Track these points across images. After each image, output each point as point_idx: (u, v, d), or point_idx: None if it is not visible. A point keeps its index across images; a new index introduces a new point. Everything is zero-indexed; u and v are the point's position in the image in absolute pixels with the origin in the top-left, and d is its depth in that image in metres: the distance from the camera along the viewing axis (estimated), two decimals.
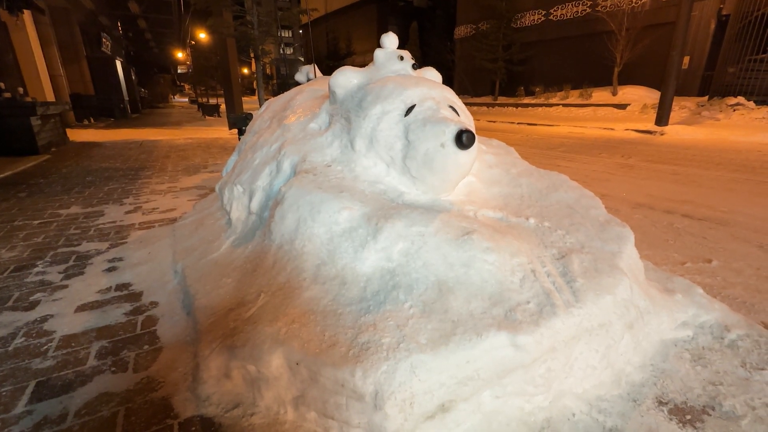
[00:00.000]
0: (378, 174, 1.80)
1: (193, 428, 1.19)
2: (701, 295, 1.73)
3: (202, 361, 1.37)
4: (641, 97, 13.14)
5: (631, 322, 1.38)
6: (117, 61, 16.40)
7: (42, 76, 9.09)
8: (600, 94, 14.46)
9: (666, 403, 1.24)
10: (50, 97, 9.26)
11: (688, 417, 1.19)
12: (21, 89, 7.19)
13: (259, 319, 1.36)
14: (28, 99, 6.83)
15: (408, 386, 1.08)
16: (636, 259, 1.64)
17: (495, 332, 1.16)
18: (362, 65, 2.15)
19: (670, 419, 1.18)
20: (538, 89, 17.11)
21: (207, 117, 16.42)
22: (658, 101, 9.27)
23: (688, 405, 1.23)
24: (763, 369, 1.37)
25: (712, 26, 12.79)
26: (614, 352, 1.34)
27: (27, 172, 5.29)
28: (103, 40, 16.04)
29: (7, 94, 6.52)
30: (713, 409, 1.21)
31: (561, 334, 1.22)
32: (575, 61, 16.72)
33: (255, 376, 1.25)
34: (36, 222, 3.18)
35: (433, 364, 1.11)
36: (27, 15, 8.50)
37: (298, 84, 3.44)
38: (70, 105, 10.50)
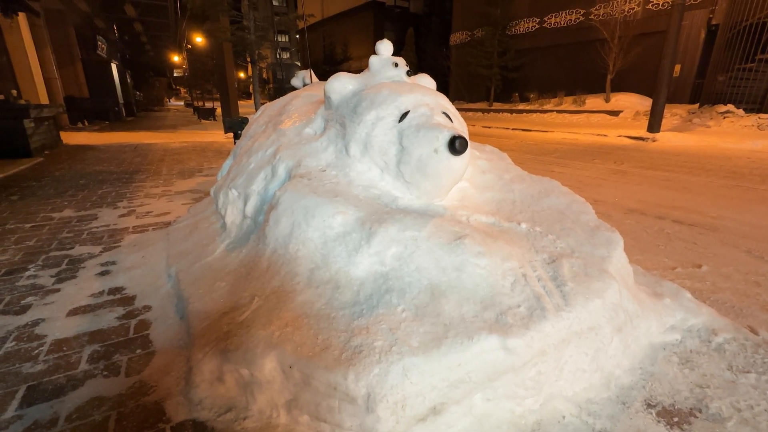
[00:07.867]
0: (372, 179, 1.81)
1: None
2: (689, 300, 1.76)
3: (195, 365, 1.37)
4: (633, 104, 13.32)
5: (620, 326, 1.40)
6: (112, 63, 16.34)
7: (36, 79, 9.03)
8: (593, 101, 14.64)
9: (654, 406, 1.26)
10: (44, 99, 9.19)
11: (676, 419, 1.21)
12: (14, 91, 7.14)
13: (253, 322, 1.37)
14: (22, 101, 6.79)
15: (400, 389, 1.09)
16: (625, 264, 1.67)
17: (486, 335, 1.18)
18: (359, 71, 2.18)
19: (658, 421, 1.20)
20: (532, 96, 17.29)
21: (203, 120, 16.41)
22: (650, 108, 9.40)
23: (676, 407, 1.25)
24: (748, 372, 1.39)
25: (702, 35, 13.03)
26: (604, 355, 1.36)
27: (19, 174, 5.25)
28: (99, 42, 15.99)
29: (1, 96, 6.48)
30: (700, 411, 1.24)
31: (551, 337, 1.24)
32: (569, 68, 16.92)
33: (248, 380, 1.26)
34: (28, 225, 3.16)
35: (425, 367, 1.12)
36: (21, 17, 8.46)
37: (294, 89, 3.46)
38: (64, 107, 10.43)
